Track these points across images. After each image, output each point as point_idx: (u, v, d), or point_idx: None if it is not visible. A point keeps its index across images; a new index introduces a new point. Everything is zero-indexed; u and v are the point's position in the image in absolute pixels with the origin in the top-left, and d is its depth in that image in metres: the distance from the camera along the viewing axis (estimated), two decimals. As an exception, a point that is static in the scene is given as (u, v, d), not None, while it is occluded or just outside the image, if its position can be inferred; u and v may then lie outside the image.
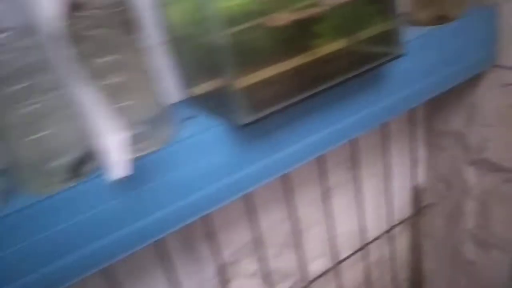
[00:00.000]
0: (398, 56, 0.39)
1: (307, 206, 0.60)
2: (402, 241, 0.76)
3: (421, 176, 0.72)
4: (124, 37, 0.31)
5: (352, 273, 0.70)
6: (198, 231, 0.51)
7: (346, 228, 0.66)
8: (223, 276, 0.55)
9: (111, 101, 0.29)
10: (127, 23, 0.31)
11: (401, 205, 0.72)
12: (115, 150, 0.29)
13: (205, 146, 0.36)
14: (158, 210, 0.35)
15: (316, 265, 0.65)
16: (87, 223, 0.33)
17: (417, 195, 0.72)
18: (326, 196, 0.60)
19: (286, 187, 0.55)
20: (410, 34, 0.45)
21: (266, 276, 0.59)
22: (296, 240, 0.60)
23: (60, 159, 0.31)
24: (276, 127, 0.38)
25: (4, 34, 0.27)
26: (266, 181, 0.40)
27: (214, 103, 0.36)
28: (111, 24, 0.30)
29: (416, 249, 0.77)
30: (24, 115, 0.29)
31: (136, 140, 0.31)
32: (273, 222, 0.58)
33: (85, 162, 0.32)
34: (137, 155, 0.32)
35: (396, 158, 0.67)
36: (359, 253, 0.69)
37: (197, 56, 0.36)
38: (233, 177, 0.37)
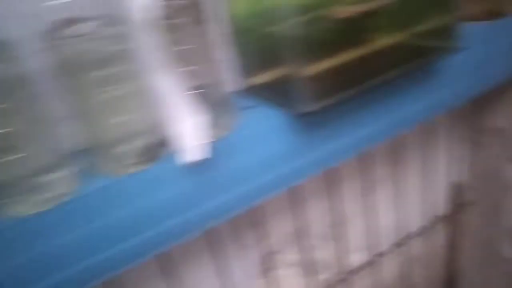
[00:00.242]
0: (456, 51, 0.39)
1: (349, 200, 0.61)
2: (439, 238, 0.76)
3: (462, 173, 0.72)
4: (196, 27, 0.33)
5: (388, 267, 0.71)
6: (244, 220, 0.52)
7: (385, 223, 0.66)
8: (266, 264, 0.57)
9: (186, 87, 0.30)
10: (198, 14, 0.33)
11: (441, 201, 0.72)
12: (192, 133, 0.30)
13: (264, 135, 0.37)
14: (221, 195, 0.36)
15: (355, 258, 0.66)
16: (155, 205, 0.34)
17: (457, 192, 0.72)
18: (367, 190, 0.61)
19: (329, 179, 0.56)
20: (463, 29, 0.45)
21: (306, 266, 0.60)
22: (336, 233, 0.61)
23: (134, 143, 0.33)
24: (332, 118, 0.39)
25: (93, 23, 0.28)
26: (319, 171, 0.41)
27: (274, 93, 0.38)
28: (187, 14, 0.31)
29: (452, 246, 0.77)
30: (105, 100, 0.31)
31: (207, 126, 0.33)
32: (315, 214, 0.59)
33: (157, 147, 0.33)
34: (211, 140, 0.33)
35: (437, 154, 0.67)
36: (396, 248, 0.69)
37: (259, 46, 0.37)
38: (290, 165, 0.38)
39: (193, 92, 0.32)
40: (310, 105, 0.34)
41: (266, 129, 0.37)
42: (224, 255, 0.52)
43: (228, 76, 0.41)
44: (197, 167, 0.33)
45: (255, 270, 0.56)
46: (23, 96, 0.29)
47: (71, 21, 0.29)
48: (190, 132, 0.30)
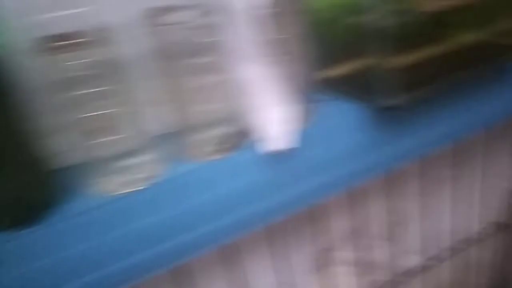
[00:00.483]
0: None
1: (408, 200, 0.60)
2: (495, 244, 0.73)
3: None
4: (285, 18, 0.33)
5: (441, 272, 0.69)
6: (304, 214, 0.53)
7: (441, 226, 0.65)
8: (322, 260, 0.57)
9: (276, 77, 0.31)
10: (285, 4, 0.33)
11: (499, 208, 0.70)
12: (280, 123, 0.31)
13: (341, 128, 0.37)
14: (297, 186, 0.36)
15: (407, 261, 0.65)
16: (233, 193, 0.35)
17: (516, 198, 0.70)
18: (426, 191, 0.60)
19: (390, 178, 0.55)
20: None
21: (360, 265, 0.60)
22: (393, 233, 0.60)
23: (217, 131, 0.33)
24: (411, 113, 0.38)
25: (191, 12, 0.29)
26: (396, 166, 0.40)
27: (353, 85, 0.37)
28: (279, 4, 0.32)
29: (508, 254, 0.74)
30: (194, 87, 0.32)
31: (294, 116, 0.33)
32: (374, 213, 0.58)
33: (239, 136, 0.34)
34: (296, 130, 0.34)
35: (498, 160, 0.65)
36: (451, 253, 0.67)
37: (338, 37, 0.37)
38: (365, 160, 0.38)
39: (282, 82, 0.32)
40: (393, 98, 0.33)
41: (343, 123, 0.37)
42: (283, 248, 0.53)
43: (306, 68, 0.41)
44: (279, 157, 0.34)
45: (310, 265, 0.56)
46: (119, 80, 0.30)
47: (169, 9, 0.30)
48: (278, 121, 0.31)
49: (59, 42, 0.28)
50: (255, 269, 0.51)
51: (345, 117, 0.37)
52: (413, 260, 0.65)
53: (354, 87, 0.37)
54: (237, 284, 0.51)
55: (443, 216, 0.64)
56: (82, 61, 0.28)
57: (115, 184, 0.32)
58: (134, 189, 0.32)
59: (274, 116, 0.31)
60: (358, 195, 0.54)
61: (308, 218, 0.53)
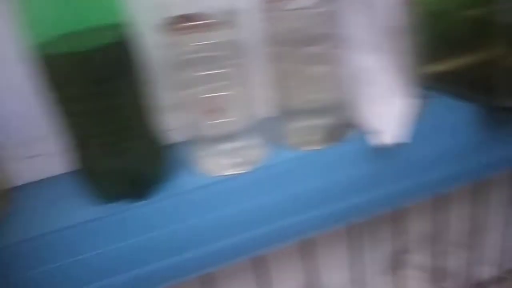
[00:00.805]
0: None
1: (490, 210, 0.57)
2: None
3: None
4: (400, 9, 0.32)
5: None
6: (383, 213, 0.51)
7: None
8: (396, 262, 0.55)
9: (393, 69, 0.30)
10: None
11: None
12: (396, 116, 0.30)
13: (447, 126, 0.35)
14: (399, 182, 0.35)
15: (482, 271, 0.62)
16: (330, 186, 0.34)
17: None
18: (511, 203, 0.57)
19: (474, 186, 0.53)
20: None
21: (434, 272, 0.58)
22: (469, 242, 0.58)
23: (323, 120, 0.33)
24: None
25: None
26: (495, 173, 0.38)
27: (464, 82, 0.36)
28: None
29: None
30: (305, 75, 0.31)
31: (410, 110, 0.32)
32: (452, 220, 0.56)
33: (344, 127, 0.34)
34: (411, 125, 0.32)
35: None
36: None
37: (449, 31, 0.36)
38: (469, 163, 0.37)
39: (396, 74, 0.31)
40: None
41: (449, 121, 0.35)
42: (358, 246, 0.52)
43: (415, 62, 0.40)
44: (384, 152, 0.33)
45: (383, 266, 0.55)
46: (237, 62, 0.30)
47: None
48: (390, 114, 0.30)
49: (185, 23, 0.28)
50: (330, 263, 0.51)
51: (452, 115, 0.35)
52: (488, 272, 0.62)
53: (465, 84, 0.36)
54: (310, 275, 0.50)
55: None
56: (205, 42, 0.29)
57: (220, 166, 0.32)
58: (238, 172, 0.32)
59: (387, 109, 0.30)
60: (442, 199, 0.52)
61: (389, 217, 0.51)
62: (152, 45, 0.30)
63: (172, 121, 0.32)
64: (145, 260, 0.31)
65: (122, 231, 0.30)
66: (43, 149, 0.32)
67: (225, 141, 0.32)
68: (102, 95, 0.27)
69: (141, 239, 0.31)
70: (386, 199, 0.36)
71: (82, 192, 0.31)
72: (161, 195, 0.31)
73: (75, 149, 0.29)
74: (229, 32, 0.29)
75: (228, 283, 0.46)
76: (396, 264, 0.56)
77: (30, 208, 0.32)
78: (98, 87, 0.26)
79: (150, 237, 0.31)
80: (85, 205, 0.30)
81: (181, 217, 0.31)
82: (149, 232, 0.31)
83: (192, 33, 0.28)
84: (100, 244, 0.30)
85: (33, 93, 0.30)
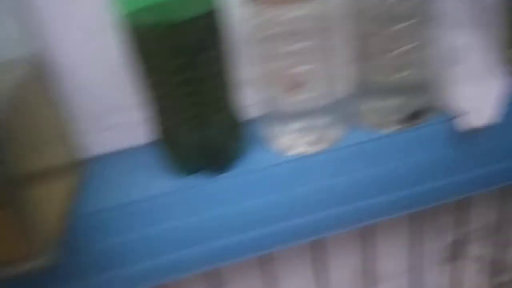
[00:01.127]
0: None
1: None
2: None
3: None
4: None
5: None
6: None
7: None
8: (455, 252, 0.54)
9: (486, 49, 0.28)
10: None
11: None
12: (483, 97, 0.28)
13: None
14: (478, 167, 0.34)
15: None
16: (407, 168, 0.33)
17: None
18: None
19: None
20: None
21: (490, 264, 0.56)
22: (534, 235, 0.55)
23: (405, 101, 0.32)
24: None
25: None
26: None
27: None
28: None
29: None
30: (385, 54, 0.30)
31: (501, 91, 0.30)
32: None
33: (427, 109, 0.32)
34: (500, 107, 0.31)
35: None
36: None
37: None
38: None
39: (487, 54, 0.30)
40: None
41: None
42: (419, 233, 0.50)
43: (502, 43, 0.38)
44: (472, 136, 0.31)
45: (441, 255, 0.54)
46: (324, 36, 0.29)
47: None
48: (481, 95, 0.28)
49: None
50: (388, 250, 0.50)
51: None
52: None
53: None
54: (367, 261, 0.50)
55: None
56: (292, 16, 0.28)
57: (296, 143, 0.32)
58: (313, 151, 0.31)
59: (478, 89, 0.28)
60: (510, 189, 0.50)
61: (453, 206, 0.50)
62: (238, 18, 0.29)
63: (250, 96, 0.32)
64: (219, 234, 0.31)
65: (200, 204, 0.30)
66: (122, 119, 0.33)
67: (303, 118, 0.31)
68: (189, 67, 0.26)
69: (215, 213, 0.31)
70: (460, 186, 0.35)
71: (160, 164, 0.31)
72: (236, 171, 0.31)
73: (158, 120, 0.29)
74: (316, 6, 0.28)
75: (285, 269, 0.46)
76: (455, 254, 0.54)
77: (108, 178, 0.32)
78: (186, 59, 0.26)
79: (224, 212, 0.31)
80: (163, 177, 0.31)
81: (255, 193, 0.31)
82: (223, 207, 0.31)
83: (279, 5, 0.27)
84: (177, 216, 0.30)
85: (116, 63, 0.30)
